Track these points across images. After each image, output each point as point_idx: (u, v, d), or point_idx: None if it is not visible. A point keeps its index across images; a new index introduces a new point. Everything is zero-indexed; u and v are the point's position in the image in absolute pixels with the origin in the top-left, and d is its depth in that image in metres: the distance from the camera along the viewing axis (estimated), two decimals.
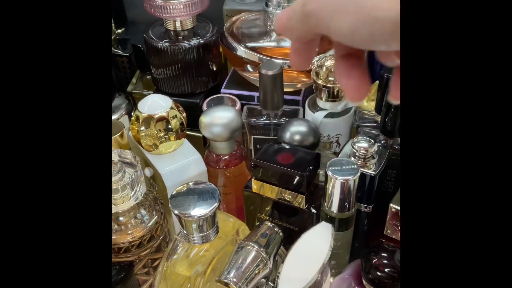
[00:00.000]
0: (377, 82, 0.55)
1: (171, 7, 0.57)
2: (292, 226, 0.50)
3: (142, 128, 0.48)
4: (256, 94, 0.61)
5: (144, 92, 0.68)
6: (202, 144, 0.62)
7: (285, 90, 0.57)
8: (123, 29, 0.76)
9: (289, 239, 0.42)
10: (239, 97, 0.62)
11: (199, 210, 0.40)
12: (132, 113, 0.49)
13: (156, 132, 0.48)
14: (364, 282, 0.43)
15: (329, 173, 0.42)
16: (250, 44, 0.60)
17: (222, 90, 0.63)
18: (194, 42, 0.60)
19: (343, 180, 0.42)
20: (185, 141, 0.52)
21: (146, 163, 0.52)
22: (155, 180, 0.53)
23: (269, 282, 0.41)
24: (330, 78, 0.53)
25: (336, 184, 0.43)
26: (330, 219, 0.46)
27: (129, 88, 0.70)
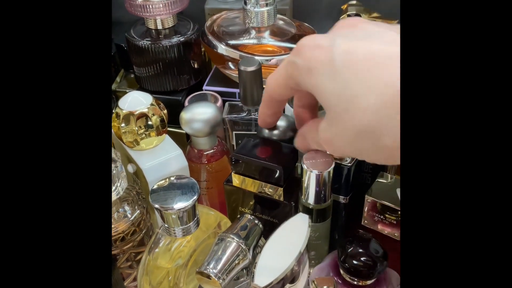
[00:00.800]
0: None
1: (151, 6, 0.58)
2: (274, 219, 0.51)
3: (123, 124, 0.49)
4: (237, 90, 0.62)
5: (127, 91, 0.69)
6: (185, 141, 0.63)
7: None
8: None
9: (270, 232, 0.43)
10: (221, 94, 0.62)
11: (179, 203, 0.41)
12: (113, 110, 0.50)
13: (136, 128, 0.49)
14: (341, 271, 0.45)
15: (304, 166, 0.43)
16: (231, 42, 0.61)
17: (204, 87, 0.64)
18: (175, 40, 0.61)
19: (318, 172, 0.43)
20: (166, 137, 0.53)
21: (129, 159, 0.53)
22: (137, 176, 0.54)
23: (250, 273, 0.42)
24: None
25: (311, 176, 0.44)
26: (308, 211, 0.47)
27: (113, 87, 0.70)
